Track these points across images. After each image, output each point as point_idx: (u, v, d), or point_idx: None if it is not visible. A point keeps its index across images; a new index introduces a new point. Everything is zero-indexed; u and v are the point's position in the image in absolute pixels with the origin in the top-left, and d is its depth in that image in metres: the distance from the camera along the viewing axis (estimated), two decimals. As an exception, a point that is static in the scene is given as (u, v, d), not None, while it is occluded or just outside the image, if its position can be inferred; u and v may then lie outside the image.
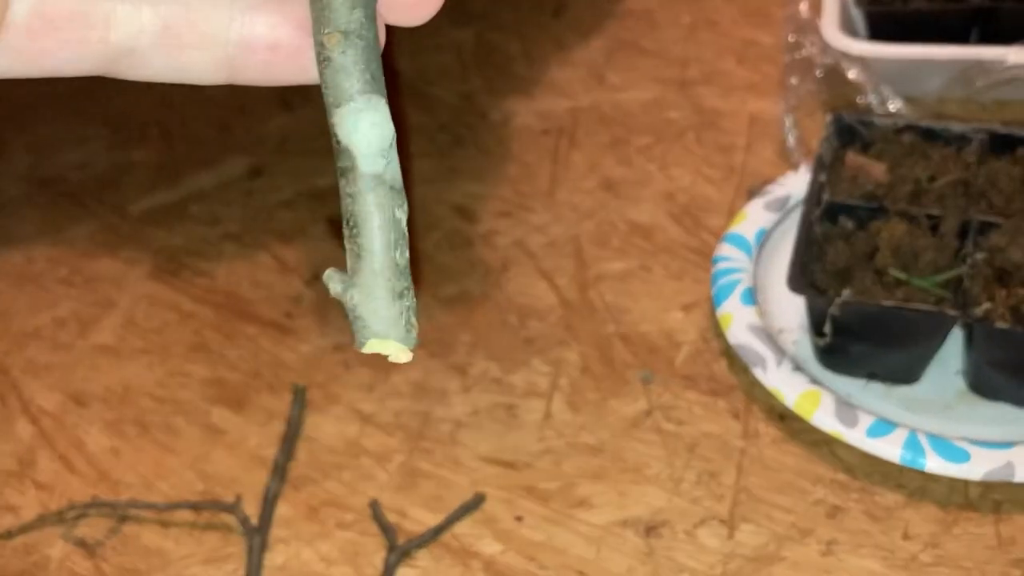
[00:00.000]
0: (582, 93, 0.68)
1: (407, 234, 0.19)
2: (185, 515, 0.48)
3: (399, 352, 0.20)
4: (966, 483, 0.46)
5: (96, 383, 0.54)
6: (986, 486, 0.45)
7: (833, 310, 0.45)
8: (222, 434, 0.51)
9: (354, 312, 0.19)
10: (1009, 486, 0.45)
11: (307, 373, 0.54)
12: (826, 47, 0.62)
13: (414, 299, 0.19)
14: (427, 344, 0.54)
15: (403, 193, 0.19)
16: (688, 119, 0.65)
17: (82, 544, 0.47)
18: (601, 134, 0.65)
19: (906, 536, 0.44)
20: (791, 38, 0.64)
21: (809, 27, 0.63)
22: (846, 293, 0.45)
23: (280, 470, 0.49)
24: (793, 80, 0.63)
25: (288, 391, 0.53)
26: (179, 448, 0.51)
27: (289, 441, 0.50)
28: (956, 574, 0.43)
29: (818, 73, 0.63)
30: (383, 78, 0.19)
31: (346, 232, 0.19)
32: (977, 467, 0.44)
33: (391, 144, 0.19)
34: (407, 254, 0.19)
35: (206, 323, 0.57)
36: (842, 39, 0.61)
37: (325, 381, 0.53)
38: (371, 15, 0.19)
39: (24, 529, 0.48)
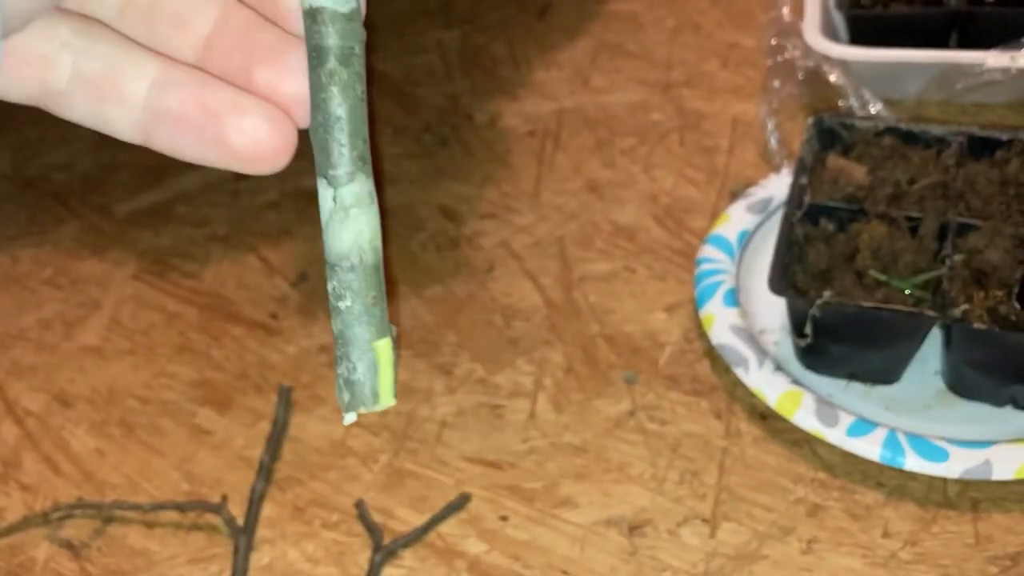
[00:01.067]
0: (567, 95, 0.68)
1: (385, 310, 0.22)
2: (171, 516, 0.48)
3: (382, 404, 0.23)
4: (944, 481, 0.46)
5: (81, 384, 0.55)
6: (964, 484, 0.46)
7: (814, 311, 0.46)
8: (208, 435, 0.52)
9: (338, 390, 0.22)
10: (987, 484, 0.46)
11: (293, 374, 0.54)
12: (808, 50, 0.62)
13: (394, 371, 0.22)
14: (412, 345, 0.55)
15: (379, 272, 0.22)
16: (672, 121, 0.66)
17: (67, 545, 0.48)
18: (585, 136, 0.66)
19: (886, 534, 0.45)
20: (773, 41, 0.64)
21: (791, 31, 0.64)
22: (827, 294, 0.46)
23: (266, 470, 0.49)
24: (775, 83, 0.64)
25: (274, 392, 0.53)
26: (164, 449, 0.51)
27: (275, 441, 0.50)
28: (935, 572, 0.43)
29: (800, 76, 0.63)
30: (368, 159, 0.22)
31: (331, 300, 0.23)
32: (955, 466, 0.44)
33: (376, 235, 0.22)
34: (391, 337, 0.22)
35: (192, 324, 0.57)
36: (823, 43, 0.61)
37: (311, 381, 0.53)
38: (358, 110, 0.22)
39: (9, 530, 0.48)
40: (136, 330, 0.57)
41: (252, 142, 0.23)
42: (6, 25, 0.20)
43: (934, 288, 0.47)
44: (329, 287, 0.23)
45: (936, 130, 0.53)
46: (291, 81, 0.23)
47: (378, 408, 0.23)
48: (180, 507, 0.48)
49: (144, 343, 0.56)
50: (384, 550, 0.45)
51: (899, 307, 0.45)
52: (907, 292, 0.47)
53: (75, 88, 0.23)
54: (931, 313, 0.45)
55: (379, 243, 0.23)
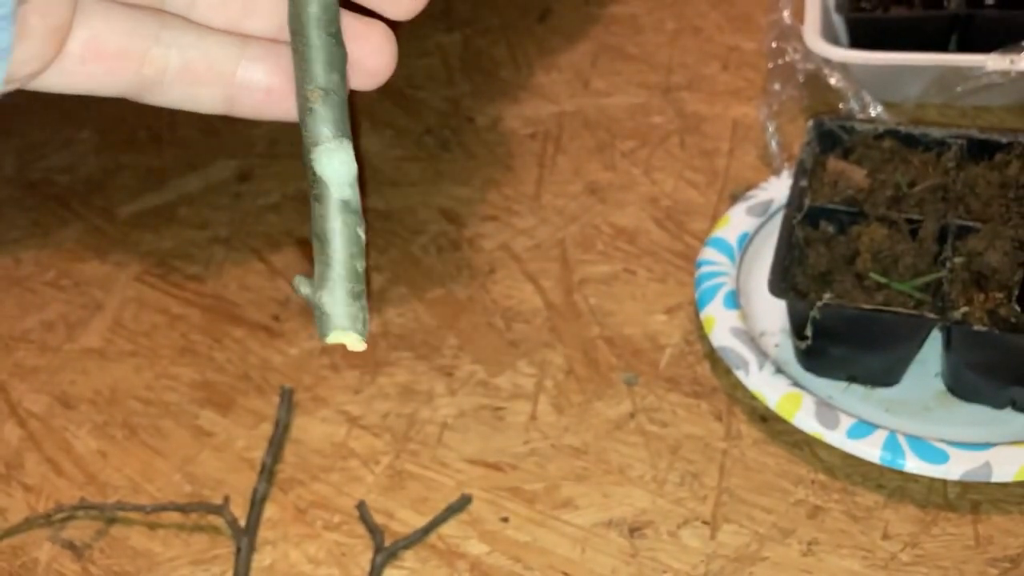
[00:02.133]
0: (567, 98, 0.69)
1: (365, 248, 0.24)
2: (173, 517, 0.48)
3: (356, 342, 0.24)
4: (944, 483, 0.46)
5: (84, 386, 0.55)
6: (964, 486, 0.46)
7: (814, 313, 0.46)
8: (210, 436, 0.52)
9: (320, 309, 0.24)
10: (987, 486, 0.46)
11: (295, 376, 0.54)
12: (808, 53, 0.62)
13: (366, 301, 0.24)
14: (414, 347, 0.55)
15: (362, 216, 0.24)
16: (672, 124, 0.66)
17: (70, 546, 0.48)
18: (586, 138, 0.66)
19: (886, 536, 0.45)
20: (774, 44, 0.64)
21: (792, 34, 0.64)
22: (827, 296, 0.46)
23: (268, 472, 0.49)
24: (776, 86, 0.64)
25: (276, 393, 0.53)
26: (167, 450, 0.51)
27: (276, 443, 0.50)
28: (935, 573, 0.44)
29: (800, 79, 0.63)
30: (350, 125, 0.24)
31: (316, 246, 0.24)
32: (955, 467, 0.44)
33: (355, 177, 0.24)
34: (365, 263, 0.24)
35: (194, 326, 0.57)
36: (824, 46, 0.61)
37: (312, 383, 0.54)
38: (343, 75, 0.24)
39: (12, 531, 0.48)
40: (138, 332, 0.57)
41: None
42: (15, 77, 0.23)
43: (934, 290, 0.47)
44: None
45: (936, 133, 0.53)
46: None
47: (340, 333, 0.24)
48: (182, 508, 0.48)
49: (146, 345, 0.56)
50: (385, 551, 0.46)
51: (899, 309, 0.45)
52: (907, 294, 0.47)
53: (171, 78, 0.26)
54: (931, 315, 0.45)
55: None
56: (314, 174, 0.24)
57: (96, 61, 0.25)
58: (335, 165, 0.24)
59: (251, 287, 0.59)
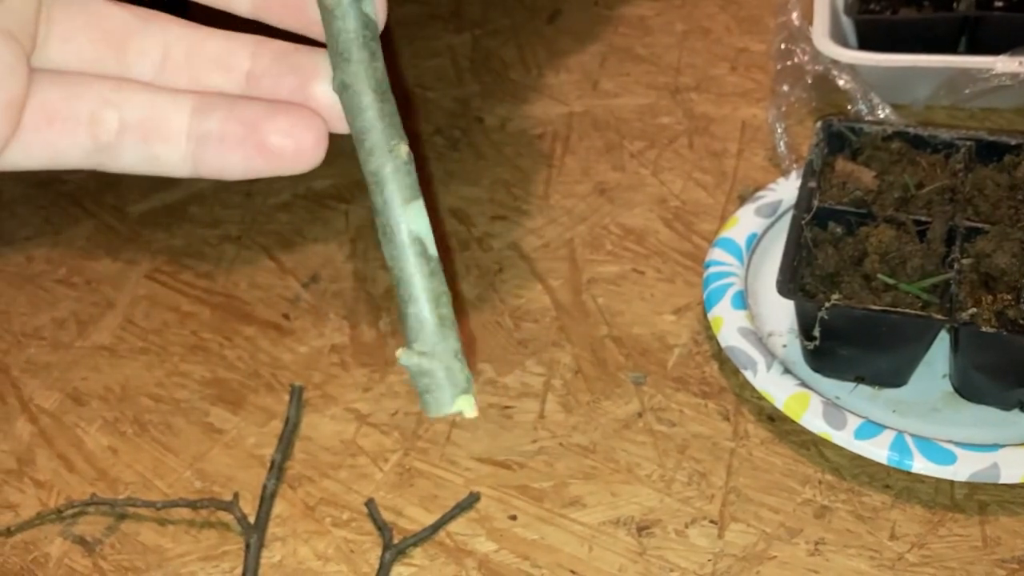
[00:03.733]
0: (576, 98, 0.69)
1: (448, 293, 0.23)
2: (183, 513, 0.49)
3: (468, 406, 0.23)
4: (952, 484, 0.46)
5: (95, 383, 0.55)
6: (972, 487, 0.46)
7: (822, 314, 0.46)
8: (220, 433, 0.52)
9: (422, 382, 0.22)
10: (994, 487, 0.46)
11: (304, 373, 0.54)
12: (817, 55, 0.62)
13: (460, 348, 0.23)
14: (423, 346, 0.55)
15: (437, 261, 0.24)
16: (681, 125, 0.66)
17: (81, 542, 0.48)
18: (595, 139, 0.66)
19: (893, 536, 0.45)
20: (782, 46, 0.65)
21: (800, 35, 0.64)
22: (835, 297, 0.46)
23: (277, 469, 0.49)
24: (784, 87, 0.64)
25: (286, 391, 0.53)
26: (177, 447, 0.52)
27: (286, 440, 0.50)
28: (942, 574, 0.44)
29: (809, 80, 0.64)
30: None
31: (401, 304, 0.23)
32: (963, 468, 0.45)
33: (430, 231, 0.24)
34: (450, 306, 0.23)
35: (205, 324, 0.58)
36: (832, 47, 0.61)
37: (322, 381, 0.54)
38: (386, 87, 0.24)
39: (23, 527, 0.49)
40: (149, 329, 0.58)
41: (291, 141, 0.25)
42: None
43: (942, 292, 0.47)
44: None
45: (944, 135, 0.53)
46: (317, 86, 0.26)
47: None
48: (192, 504, 0.48)
49: (157, 342, 0.57)
50: (394, 548, 0.46)
51: (907, 311, 0.46)
52: (915, 295, 0.47)
53: (123, 137, 0.25)
54: (939, 317, 0.45)
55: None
56: (391, 232, 0.23)
57: (48, 128, 0.25)
58: (417, 222, 0.23)
59: (261, 285, 0.59)
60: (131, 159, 0.26)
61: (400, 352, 0.23)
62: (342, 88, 0.24)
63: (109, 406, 0.54)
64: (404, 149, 0.24)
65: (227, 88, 0.26)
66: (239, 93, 0.26)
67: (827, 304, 0.46)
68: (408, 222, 0.24)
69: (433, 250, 0.24)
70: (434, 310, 0.23)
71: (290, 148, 0.25)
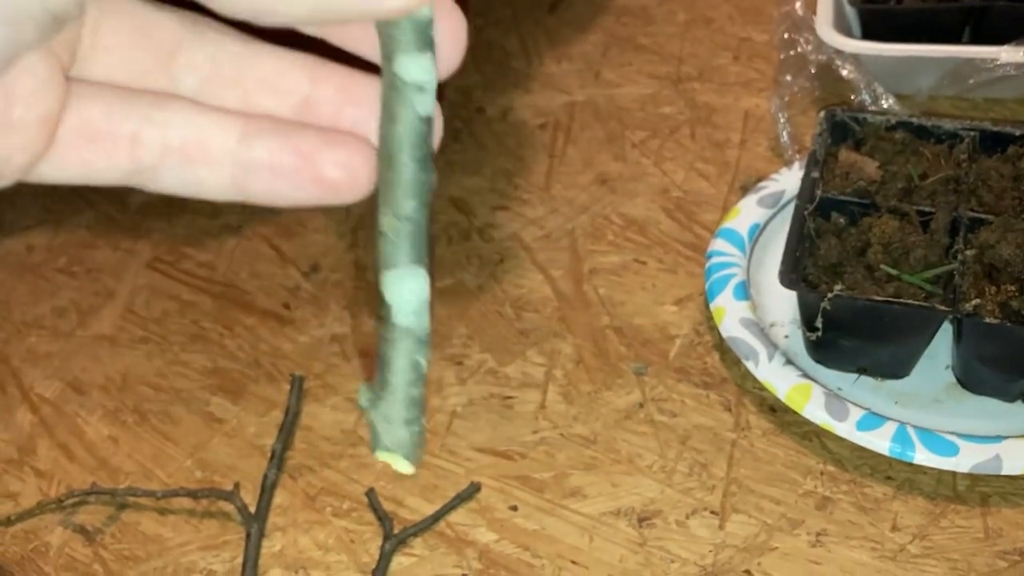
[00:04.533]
0: (578, 88, 0.68)
1: (425, 375, 0.23)
2: (183, 503, 0.49)
3: (404, 466, 0.23)
4: (954, 476, 0.46)
5: (96, 372, 0.55)
6: (974, 479, 0.46)
7: (824, 305, 0.46)
8: (220, 423, 0.52)
9: (374, 427, 0.23)
10: (996, 479, 0.46)
11: (305, 363, 0.54)
12: (820, 45, 0.62)
13: (423, 427, 0.23)
14: (424, 336, 0.55)
15: (428, 344, 0.23)
16: (683, 115, 0.66)
17: (81, 531, 0.48)
18: (597, 129, 0.66)
19: (895, 528, 0.45)
20: (785, 35, 0.64)
21: (803, 25, 0.64)
22: (837, 288, 0.46)
23: (278, 459, 0.49)
24: (787, 77, 0.64)
25: (286, 381, 0.53)
26: (178, 436, 0.52)
27: (287, 430, 0.50)
28: (943, 566, 0.44)
29: (812, 70, 0.63)
30: (426, 250, 0.23)
31: (378, 363, 0.23)
32: (965, 460, 0.44)
33: (424, 305, 0.23)
34: (423, 390, 0.23)
35: (205, 313, 0.57)
36: (836, 37, 0.61)
37: (323, 371, 0.54)
38: (425, 202, 0.23)
39: (24, 516, 0.49)
40: (150, 319, 0.57)
41: (348, 173, 0.24)
42: (4, 173, 0.21)
43: (945, 283, 0.47)
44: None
45: (948, 125, 0.53)
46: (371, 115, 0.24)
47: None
48: (193, 494, 0.48)
49: (158, 332, 0.57)
50: (394, 538, 0.46)
51: (910, 302, 0.45)
52: (918, 286, 0.47)
53: (164, 159, 0.24)
54: (942, 308, 0.45)
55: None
56: (382, 296, 0.23)
57: (87, 146, 0.23)
58: (404, 292, 0.23)
59: (262, 275, 0.59)
60: (171, 181, 0.24)
61: (361, 390, 0.24)
62: (395, 211, 0.23)
63: (110, 395, 0.54)
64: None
65: (279, 111, 0.24)
66: (292, 117, 0.25)
67: (829, 295, 0.46)
68: (386, 288, 0.23)
69: (412, 322, 0.23)
70: (403, 387, 0.23)
71: (346, 181, 0.24)
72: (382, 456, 0.23)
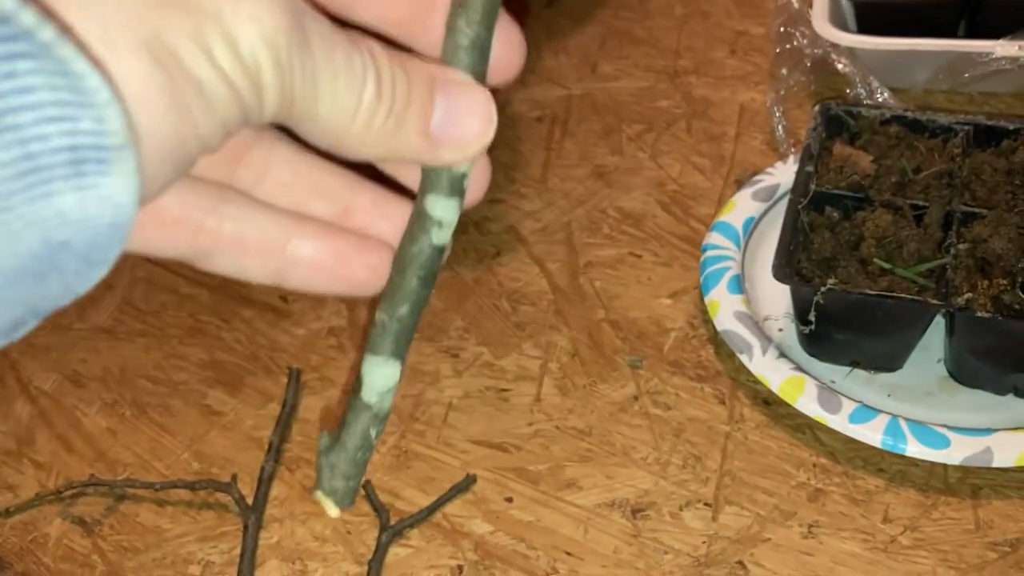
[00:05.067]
0: (575, 81, 0.69)
1: (374, 445, 0.27)
2: (181, 494, 0.49)
3: (331, 509, 0.27)
4: (945, 468, 0.47)
5: (94, 364, 0.55)
6: (965, 471, 0.46)
7: (818, 298, 0.46)
8: (218, 415, 0.52)
9: (320, 469, 0.27)
10: (987, 471, 0.46)
11: (302, 356, 0.54)
12: (816, 38, 0.62)
13: (359, 484, 0.27)
14: (420, 328, 0.55)
15: (384, 420, 0.27)
16: (679, 108, 0.66)
17: (80, 522, 0.48)
18: (594, 122, 0.66)
19: (886, 519, 0.45)
20: (781, 29, 0.64)
21: (799, 18, 0.64)
22: (831, 282, 0.46)
23: (275, 451, 0.50)
24: (783, 71, 0.64)
25: (283, 374, 0.53)
26: (176, 429, 0.52)
27: (284, 423, 0.51)
28: (934, 557, 0.44)
29: (808, 64, 0.63)
30: (407, 348, 0.26)
31: (340, 422, 0.27)
32: (956, 452, 0.45)
33: (391, 391, 0.26)
34: (369, 456, 0.27)
35: (203, 306, 0.58)
36: (832, 31, 0.61)
37: (320, 364, 0.54)
38: (417, 311, 0.26)
39: (22, 507, 0.49)
40: (148, 311, 0.58)
41: (373, 274, 0.27)
42: (144, 195, 0.22)
43: (938, 276, 0.47)
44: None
45: (943, 119, 0.53)
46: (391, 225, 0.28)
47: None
48: (191, 486, 0.49)
49: (156, 324, 0.57)
50: (391, 530, 0.46)
51: (903, 295, 0.46)
52: (911, 280, 0.47)
53: (220, 246, 0.26)
54: (935, 301, 0.45)
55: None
56: (360, 372, 0.26)
57: (156, 228, 0.25)
58: (377, 376, 0.26)
59: (259, 268, 0.59)
60: (220, 267, 0.27)
61: (322, 434, 0.27)
62: (390, 312, 0.26)
63: (108, 388, 0.54)
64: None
65: (324, 215, 0.28)
66: (332, 221, 0.28)
67: (823, 288, 0.46)
68: (365, 367, 0.27)
69: (375, 400, 0.26)
70: (353, 451, 0.26)
71: (371, 281, 0.27)
72: (318, 495, 0.27)
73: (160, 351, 0.56)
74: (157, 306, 0.58)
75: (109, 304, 0.58)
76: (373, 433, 0.27)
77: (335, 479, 0.27)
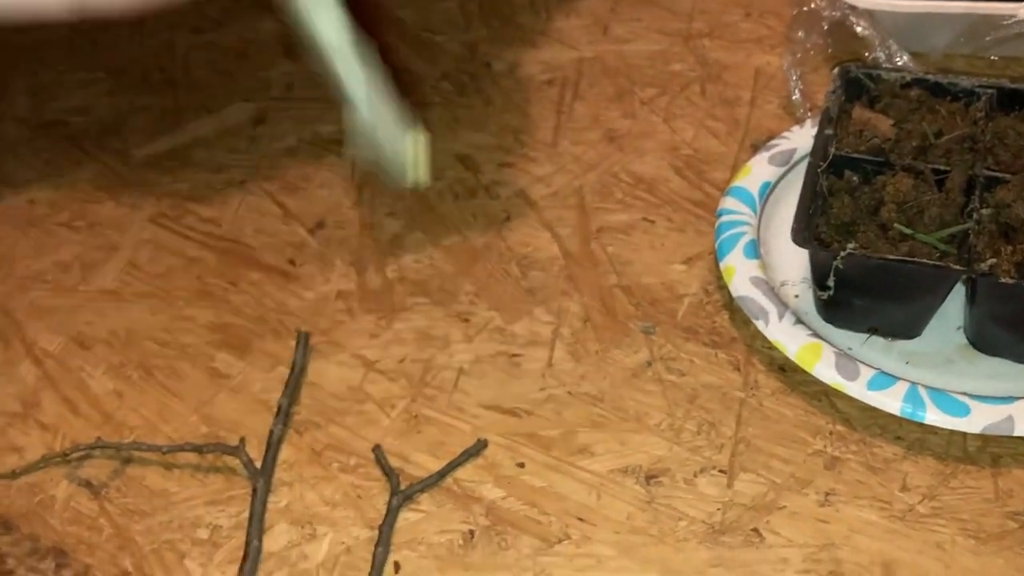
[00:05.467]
0: (587, 44, 0.67)
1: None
2: (189, 457, 0.48)
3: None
4: (965, 436, 0.46)
5: (99, 327, 0.55)
6: (985, 440, 0.46)
7: (837, 263, 0.46)
8: (226, 379, 0.52)
9: (374, 146, 0.24)
10: (1008, 440, 0.46)
11: (311, 320, 0.54)
12: (833, 1, 0.61)
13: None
14: (430, 293, 0.54)
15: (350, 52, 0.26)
16: (693, 71, 0.65)
17: (87, 485, 0.48)
18: (605, 85, 0.65)
19: (904, 488, 0.45)
20: (799, -9, 0.63)
21: (818, -20, 0.62)
22: (850, 246, 0.45)
23: (284, 414, 0.49)
24: (800, 33, 0.63)
25: (292, 337, 0.53)
26: (183, 392, 0.51)
27: (292, 386, 0.50)
28: (953, 525, 0.43)
29: (825, 27, 0.62)
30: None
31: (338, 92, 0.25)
32: (977, 421, 0.44)
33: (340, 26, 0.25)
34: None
35: (210, 269, 0.57)
36: (851, -8, 0.60)
37: (329, 328, 0.53)
38: None
39: (29, 469, 0.48)
40: (154, 274, 0.57)
41: None
42: None
43: (960, 242, 0.46)
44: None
45: (965, 82, 0.52)
46: None
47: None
48: (198, 449, 0.48)
49: (162, 287, 0.56)
50: (401, 494, 0.46)
51: (924, 261, 0.45)
52: (932, 246, 0.46)
53: None
54: (957, 267, 0.44)
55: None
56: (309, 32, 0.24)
57: None
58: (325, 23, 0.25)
59: (267, 231, 0.59)
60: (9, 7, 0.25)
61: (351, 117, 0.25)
62: None
63: (114, 350, 0.53)
64: None
65: None
66: None
67: (842, 253, 0.45)
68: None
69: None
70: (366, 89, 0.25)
71: None
72: (407, 149, 0.25)
73: (167, 313, 0.55)
74: (163, 268, 0.57)
75: (114, 266, 0.58)
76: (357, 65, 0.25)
77: (395, 130, 0.25)
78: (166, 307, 0.55)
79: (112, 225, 0.60)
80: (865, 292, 0.47)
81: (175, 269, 0.57)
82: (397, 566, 0.44)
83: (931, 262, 0.45)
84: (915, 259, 0.45)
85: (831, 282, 0.46)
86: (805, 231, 0.47)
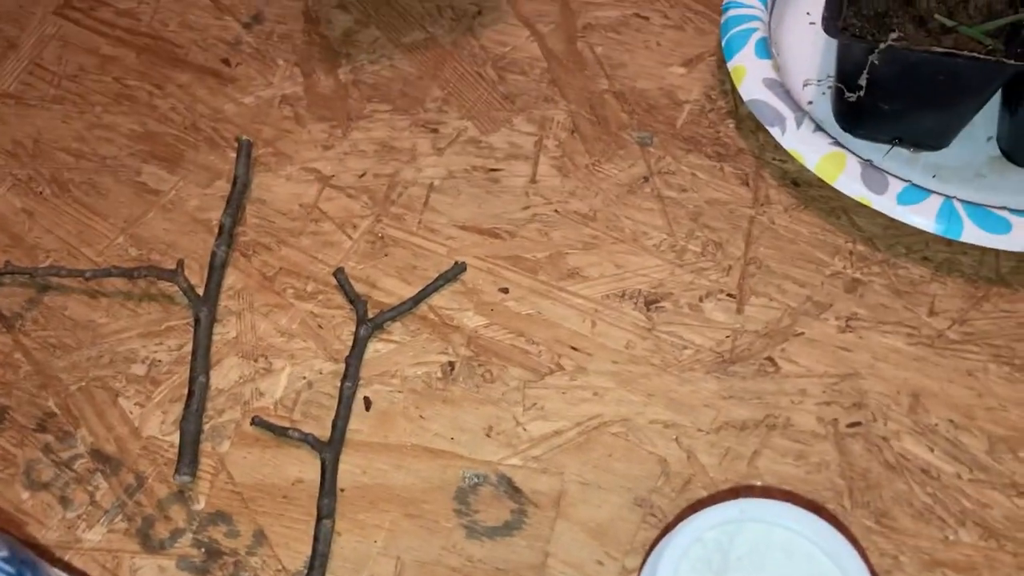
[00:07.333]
0: None
1: None
2: (117, 284, 0.42)
3: None
4: (997, 256, 0.42)
5: (1, 136, 0.46)
6: (1019, 260, 0.41)
7: (873, 59, 0.39)
8: (156, 195, 0.44)
9: None
10: (1041, 260, 0.41)
11: (252, 128, 0.46)
12: None
13: None
14: (391, 98, 0.47)
15: None
16: None
17: (-4, 316, 0.41)
18: None
19: (932, 312, 0.40)
20: None
21: None
22: (892, 36, 0.39)
23: (227, 234, 0.42)
24: None
25: (231, 147, 0.45)
26: (106, 210, 0.44)
27: (235, 202, 0.43)
28: (986, 352, 0.39)
29: None
30: None
31: None
32: (1018, 238, 0.39)
33: None
34: None
35: (130, 69, 0.49)
36: None
37: (273, 137, 0.46)
38: None
39: (-75, 299, 0.41)
40: (63, 75, 0.48)
41: None
42: None
43: (1008, 37, 0.40)
44: None
45: None
46: None
47: None
48: (128, 274, 0.41)
49: (74, 90, 0.48)
50: (369, 323, 0.40)
51: (975, 54, 0.39)
52: (977, 40, 0.40)
53: None
54: (1012, 62, 0.39)
55: None
56: None
57: None
58: None
59: (195, 26, 0.50)
60: None
61: None
62: None
63: (20, 163, 0.46)
64: None
65: None
66: None
67: (881, 46, 0.39)
68: None
69: None
70: None
71: None
72: None
73: (81, 121, 0.47)
74: (74, 69, 0.49)
75: (13, 66, 0.49)
76: None
77: None
78: (80, 113, 0.47)
79: (7, 18, 0.50)
80: (897, 95, 0.42)
81: (88, 70, 0.49)
82: (368, 402, 0.38)
83: (982, 56, 0.39)
84: (963, 52, 0.39)
85: (863, 81, 0.40)
86: (836, 19, 0.40)
